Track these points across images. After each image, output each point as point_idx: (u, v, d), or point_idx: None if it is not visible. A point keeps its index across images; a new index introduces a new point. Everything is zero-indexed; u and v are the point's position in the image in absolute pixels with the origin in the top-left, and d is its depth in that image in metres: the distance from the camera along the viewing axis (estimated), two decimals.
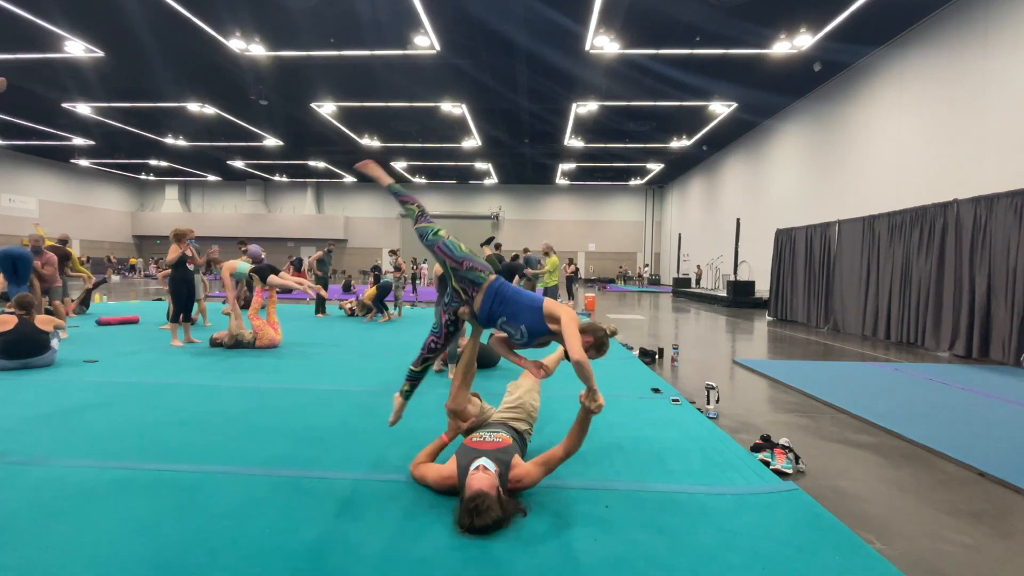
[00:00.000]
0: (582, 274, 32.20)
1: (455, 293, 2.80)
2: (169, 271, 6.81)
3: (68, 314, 8.55)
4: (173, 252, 6.69)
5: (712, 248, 23.18)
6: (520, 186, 33.29)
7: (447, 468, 2.49)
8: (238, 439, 3.30)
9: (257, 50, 12.70)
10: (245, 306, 8.90)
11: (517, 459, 2.48)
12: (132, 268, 30.83)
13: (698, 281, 24.71)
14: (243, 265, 7.24)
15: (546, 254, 10.01)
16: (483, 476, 2.27)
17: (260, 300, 6.97)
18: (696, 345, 8.06)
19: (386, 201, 34.11)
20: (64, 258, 8.82)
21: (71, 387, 4.57)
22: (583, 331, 2.59)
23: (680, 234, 28.66)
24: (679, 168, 27.57)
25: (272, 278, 7.06)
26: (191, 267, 6.91)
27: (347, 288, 20.28)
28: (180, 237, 6.75)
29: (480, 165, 27.30)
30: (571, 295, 15.20)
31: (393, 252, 13.80)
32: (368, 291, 10.62)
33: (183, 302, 6.80)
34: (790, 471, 2.99)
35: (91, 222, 30.77)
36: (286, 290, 7.57)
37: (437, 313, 2.98)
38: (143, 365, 5.56)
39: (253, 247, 9.49)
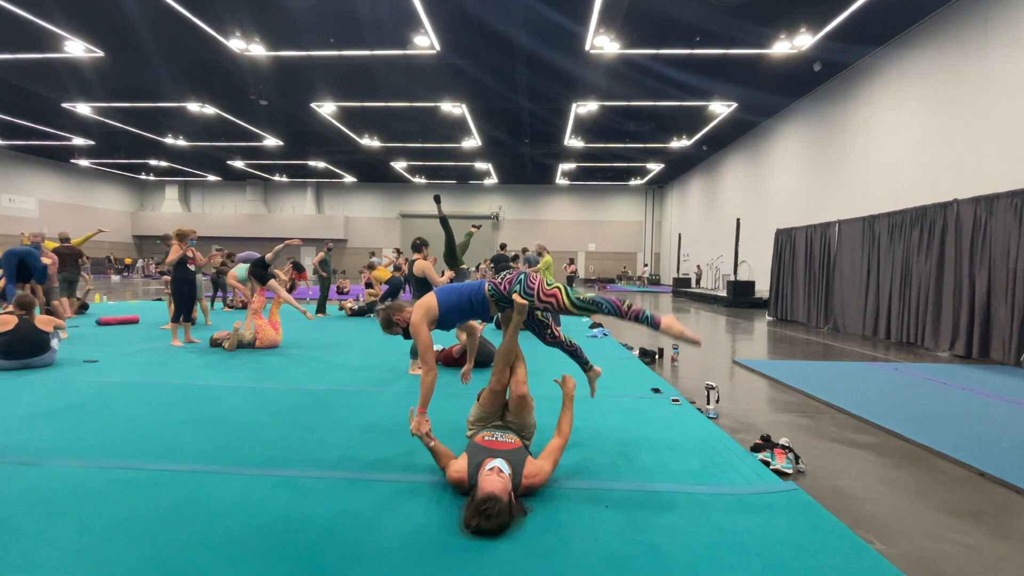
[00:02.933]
0: (582, 274, 32.22)
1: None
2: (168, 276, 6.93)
3: (66, 315, 8.55)
4: (174, 252, 6.71)
5: (712, 248, 23.17)
6: (520, 186, 33.27)
7: (460, 464, 2.49)
8: (238, 439, 3.30)
9: (257, 50, 12.69)
10: (245, 307, 9.02)
11: (529, 458, 2.51)
12: (126, 268, 30.77)
13: (698, 281, 24.69)
14: (241, 269, 7.33)
15: (539, 254, 10.05)
16: (496, 479, 2.26)
17: (263, 300, 6.99)
18: None
19: (386, 201, 34.11)
20: (77, 256, 9.01)
21: (71, 387, 4.57)
22: None
23: (680, 234, 28.64)
24: (679, 168, 27.55)
25: (272, 283, 7.09)
26: (192, 267, 6.93)
27: (339, 290, 19.99)
28: (182, 237, 6.78)
29: (480, 165, 27.28)
30: None
31: (397, 251, 13.87)
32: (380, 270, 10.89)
33: (184, 302, 6.82)
34: (790, 471, 2.99)
35: (91, 222, 30.65)
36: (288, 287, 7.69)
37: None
38: (143, 365, 5.56)
39: (241, 254, 9.88)
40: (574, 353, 3.28)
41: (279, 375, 5.26)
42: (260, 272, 7.14)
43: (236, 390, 4.58)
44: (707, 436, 3.50)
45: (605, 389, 4.83)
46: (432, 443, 2.68)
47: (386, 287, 10.54)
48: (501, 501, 2.17)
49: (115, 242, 32.51)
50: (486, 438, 2.61)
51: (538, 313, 3.00)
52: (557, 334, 3.22)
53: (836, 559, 2.04)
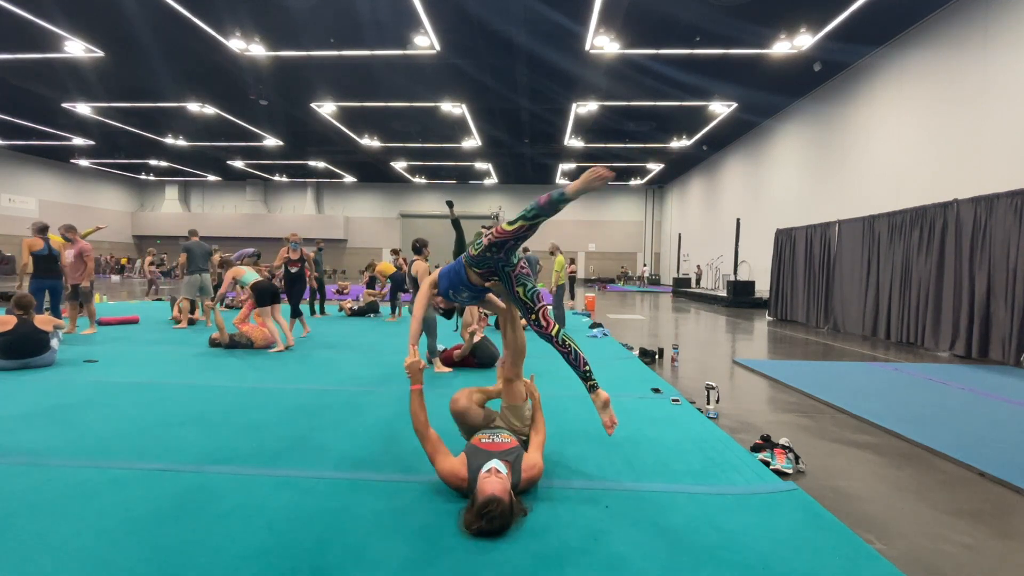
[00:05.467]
0: (582, 274, 32.22)
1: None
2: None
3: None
4: (281, 255, 8.05)
5: (712, 248, 23.17)
6: (520, 186, 33.27)
7: (459, 466, 2.48)
8: (238, 439, 3.30)
9: (257, 50, 12.69)
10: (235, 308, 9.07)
11: (525, 454, 2.54)
12: (122, 269, 30.75)
13: (698, 281, 24.69)
14: (249, 275, 7.16)
15: (552, 253, 9.90)
16: (496, 480, 2.28)
17: (248, 310, 6.95)
18: (696, 345, 8.06)
19: (386, 201, 34.10)
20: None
21: (71, 387, 4.57)
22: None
23: (680, 234, 28.64)
24: (679, 168, 27.55)
25: (264, 310, 6.98)
26: (293, 270, 7.99)
27: (338, 291, 19.73)
28: (287, 241, 8.21)
29: (480, 165, 27.27)
30: (571, 295, 15.21)
31: (395, 252, 13.87)
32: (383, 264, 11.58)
33: (294, 299, 7.92)
34: (790, 471, 2.99)
35: (91, 222, 30.54)
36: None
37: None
38: (143, 365, 5.56)
39: (240, 252, 10.27)
40: (568, 357, 2.76)
41: (279, 375, 5.27)
42: (261, 296, 6.91)
43: (236, 390, 4.58)
44: (707, 436, 3.50)
45: (606, 389, 4.81)
46: (419, 385, 2.65)
47: (390, 283, 10.81)
48: (503, 502, 2.18)
49: (115, 242, 32.52)
50: (483, 440, 2.63)
51: (519, 291, 2.87)
52: (544, 322, 2.76)
53: (836, 559, 2.04)
